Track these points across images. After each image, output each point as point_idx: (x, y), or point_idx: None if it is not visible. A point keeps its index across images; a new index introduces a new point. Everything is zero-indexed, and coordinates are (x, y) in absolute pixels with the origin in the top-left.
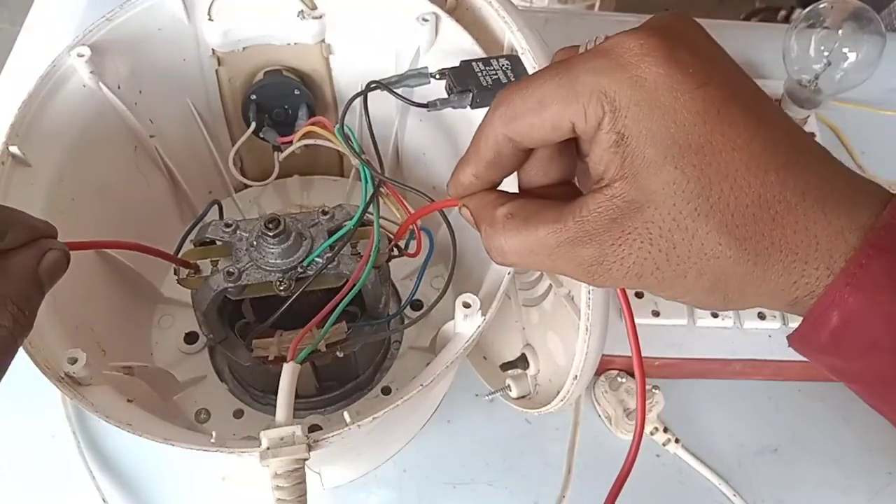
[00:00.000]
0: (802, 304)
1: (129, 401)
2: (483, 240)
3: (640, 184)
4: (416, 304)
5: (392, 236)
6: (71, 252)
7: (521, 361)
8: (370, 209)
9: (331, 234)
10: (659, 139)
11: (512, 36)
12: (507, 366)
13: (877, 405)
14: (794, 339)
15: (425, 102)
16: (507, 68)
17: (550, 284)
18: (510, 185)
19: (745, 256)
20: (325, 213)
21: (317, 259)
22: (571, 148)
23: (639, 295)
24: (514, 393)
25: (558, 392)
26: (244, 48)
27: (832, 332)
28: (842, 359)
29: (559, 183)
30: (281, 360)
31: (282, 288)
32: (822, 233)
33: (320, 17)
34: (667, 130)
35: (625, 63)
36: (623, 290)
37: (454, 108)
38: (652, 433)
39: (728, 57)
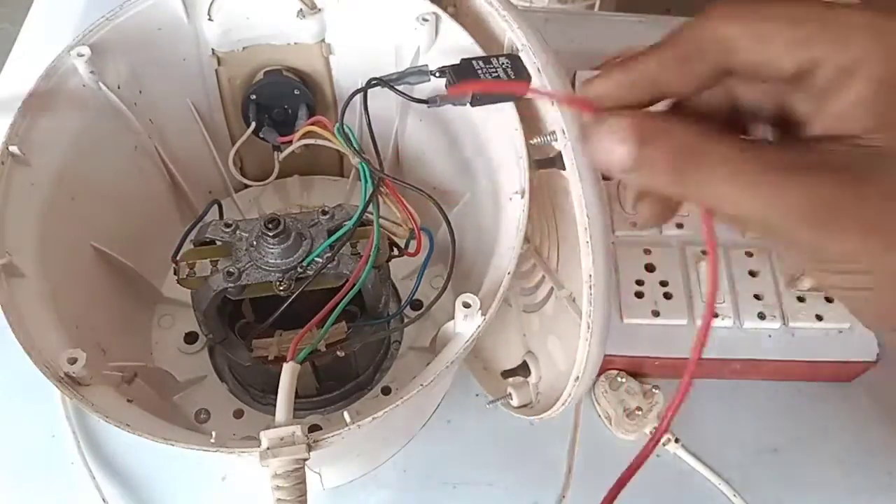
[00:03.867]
0: None
1: (129, 401)
2: (672, 186)
3: None
4: (416, 304)
5: (392, 236)
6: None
7: (523, 369)
8: (370, 208)
9: (331, 233)
10: None
11: (512, 34)
12: (508, 373)
13: None
14: None
15: (425, 98)
16: (506, 66)
17: (552, 287)
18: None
19: None
20: (325, 213)
21: (317, 259)
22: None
23: (638, 295)
24: (515, 402)
25: (559, 397)
26: (244, 48)
27: None
28: None
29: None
30: (281, 360)
31: (282, 288)
32: None
33: (320, 16)
34: None
35: None
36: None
37: (454, 104)
38: (652, 433)
39: None
